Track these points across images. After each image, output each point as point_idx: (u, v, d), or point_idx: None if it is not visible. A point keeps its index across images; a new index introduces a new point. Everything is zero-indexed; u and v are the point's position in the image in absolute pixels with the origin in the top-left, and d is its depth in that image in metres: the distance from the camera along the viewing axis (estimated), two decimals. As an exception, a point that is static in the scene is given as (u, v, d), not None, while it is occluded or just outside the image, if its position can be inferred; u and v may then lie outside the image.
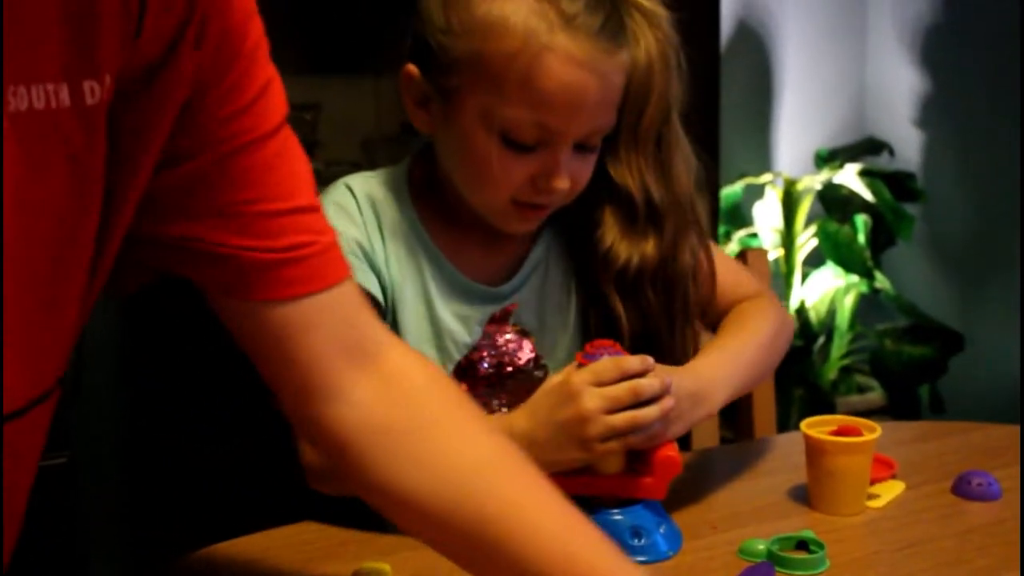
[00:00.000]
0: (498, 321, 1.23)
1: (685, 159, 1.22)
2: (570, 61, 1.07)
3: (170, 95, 0.72)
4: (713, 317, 1.30)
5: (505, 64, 1.07)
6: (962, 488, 1.19)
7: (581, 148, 1.14)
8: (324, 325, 0.80)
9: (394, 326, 1.18)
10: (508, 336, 1.24)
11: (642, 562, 1.02)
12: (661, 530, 1.04)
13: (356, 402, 0.82)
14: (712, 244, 1.30)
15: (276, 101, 0.82)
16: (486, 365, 1.22)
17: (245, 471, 2.06)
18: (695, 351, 1.24)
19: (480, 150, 1.12)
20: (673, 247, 1.21)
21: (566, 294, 1.26)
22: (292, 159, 0.81)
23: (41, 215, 0.65)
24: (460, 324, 1.21)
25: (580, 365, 1.05)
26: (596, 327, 1.22)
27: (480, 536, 0.79)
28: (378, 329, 0.86)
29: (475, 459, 0.83)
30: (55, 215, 0.66)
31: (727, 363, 1.18)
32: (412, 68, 1.16)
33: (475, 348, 1.22)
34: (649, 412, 1.03)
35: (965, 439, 1.36)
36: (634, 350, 1.11)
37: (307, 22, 2.28)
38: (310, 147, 2.40)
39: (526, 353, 1.24)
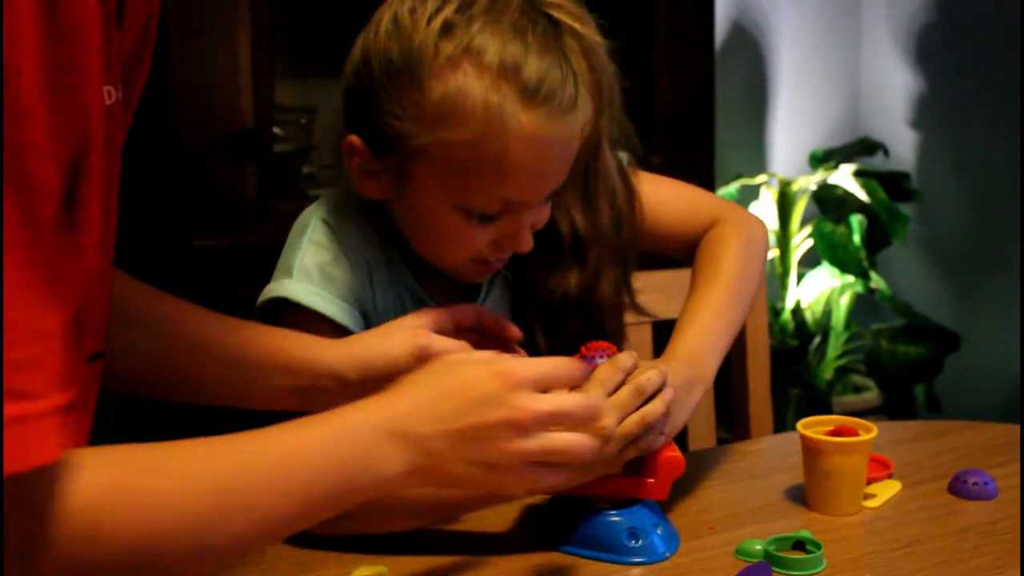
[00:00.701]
0: None
1: (610, 191, 1.20)
2: (536, 141, 1.02)
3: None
4: (680, 252, 1.31)
5: (468, 151, 1.02)
6: (958, 487, 1.19)
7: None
8: None
9: None
10: None
11: (639, 563, 1.02)
12: (658, 531, 1.04)
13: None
14: (657, 177, 1.30)
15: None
16: None
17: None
18: None
19: (441, 223, 1.08)
20: (594, 278, 1.19)
21: (511, 318, 1.22)
22: None
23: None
24: None
25: None
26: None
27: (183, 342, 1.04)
28: None
29: (160, 310, 1.06)
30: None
31: (708, 332, 1.17)
32: (356, 140, 1.10)
33: None
34: (655, 408, 1.01)
35: (961, 438, 1.36)
36: None
37: (301, 26, 2.28)
38: (306, 151, 2.40)
39: None
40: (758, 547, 1.04)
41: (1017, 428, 1.36)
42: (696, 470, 1.24)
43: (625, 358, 1.04)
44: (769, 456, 1.35)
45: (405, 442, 0.82)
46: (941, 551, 1.06)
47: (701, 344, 1.16)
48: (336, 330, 1.13)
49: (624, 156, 1.26)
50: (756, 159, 3.18)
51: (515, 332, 1.14)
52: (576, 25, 1.09)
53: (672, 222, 1.31)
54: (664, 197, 1.30)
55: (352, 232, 1.16)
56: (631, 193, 1.24)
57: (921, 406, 2.92)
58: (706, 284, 1.24)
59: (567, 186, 1.14)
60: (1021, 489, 1.18)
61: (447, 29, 1.02)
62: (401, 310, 1.17)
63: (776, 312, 2.93)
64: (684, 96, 2.43)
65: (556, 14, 1.07)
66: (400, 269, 1.19)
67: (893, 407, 2.93)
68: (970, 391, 2.98)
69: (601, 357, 1.03)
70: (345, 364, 1.04)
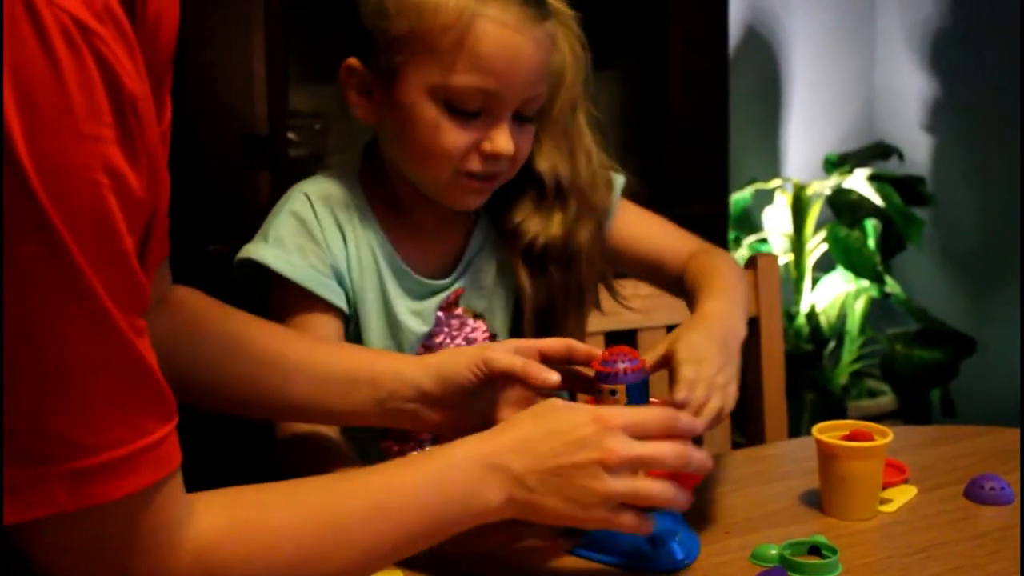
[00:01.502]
0: (449, 307, 1.30)
1: (586, 149, 1.29)
2: (503, 25, 1.13)
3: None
4: (670, 276, 1.38)
5: (442, 34, 1.13)
6: (974, 492, 1.19)
7: (519, 119, 1.20)
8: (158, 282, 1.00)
9: (357, 326, 1.25)
10: (460, 318, 1.31)
11: (658, 570, 1.02)
12: (677, 538, 1.03)
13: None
14: (643, 210, 1.40)
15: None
16: (449, 343, 1.29)
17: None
18: (583, 326, 1.34)
19: (425, 122, 1.16)
20: (574, 225, 1.28)
21: (500, 278, 1.33)
22: None
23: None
24: (414, 318, 1.27)
25: (598, 373, 1.03)
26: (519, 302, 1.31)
27: (256, 364, 1.08)
28: (168, 280, 1.11)
29: (239, 322, 1.10)
30: None
31: (728, 304, 1.23)
32: (353, 60, 1.21)
33: (432, 334, 1.29)
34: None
35: (977, 443, 1.36)
36: (536, 323, 1.28)
37: (315, 32, 2.29)
38: (320, 157, 2.41)
39: (480, 333, 1.32)
40: (774, 552, 1.03)
41: (1033, 433, 1.36)
42: (711, 475, 1.24)
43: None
44: (784, 461, 1.34)
45: (503, 476, 0.89)
46: (957, 556, 1.05)
47: (726, 322, 1.19)
48: (306, 297, 1.21)
49: (619, 178, 1.37)
50: (770, 163, 3.18)
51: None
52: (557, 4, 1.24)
53: (662, 244, 1.39)
54: (652, 223, 1.41)
55: (334, 200, 1.26)
56: (605, 164, 1.33)
57: (936, 411, 2.92)
58: (711, 278, 1.29)
59: (549, 136, 1.26)
60: (1037, 494, 1.18)
61: None
62: (373, 266, 1.25)
63: (791, 316, 2.93)
64: (698, 100, 2.43)
65: None
66: (376, 230, 1.26)
67: (908, 412, 2.92)
68: (985, 395, 2.97)
69: (623, 362, 1.03)
70: (423, 375, 1.08)
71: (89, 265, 0.64)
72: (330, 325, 1.23)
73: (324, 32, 2.29)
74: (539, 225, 1.28)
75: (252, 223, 1.67)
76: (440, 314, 1.29)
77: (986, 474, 1.20)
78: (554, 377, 1.03)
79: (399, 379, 1.08)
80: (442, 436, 1.14)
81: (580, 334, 1.32)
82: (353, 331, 1.26)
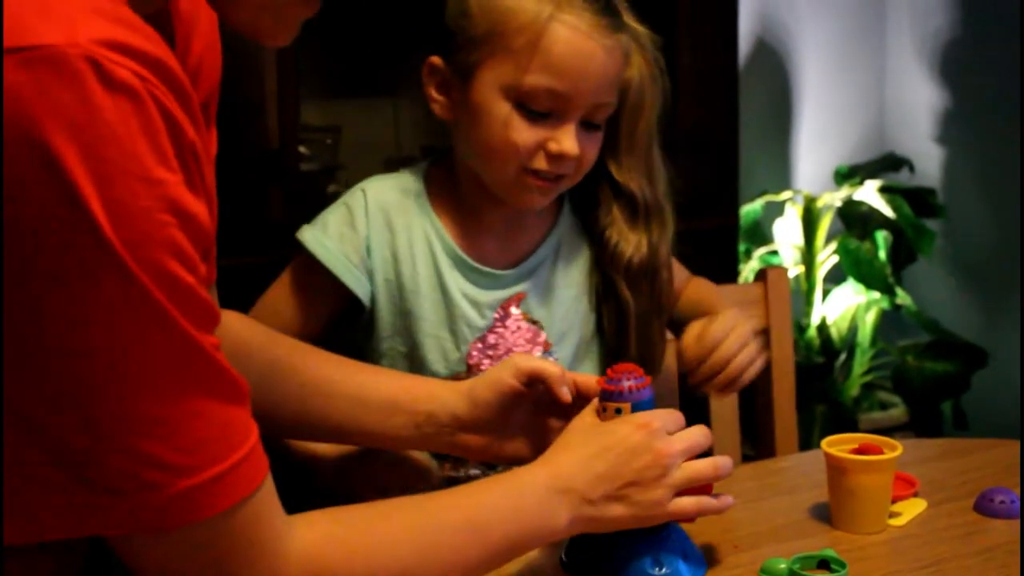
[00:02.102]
0: (507, 308, 1.35)
1: (662, 169, 1.37)
2: (576, 30, 1.20)
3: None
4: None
5: (518, 35, 1.20)
6: (984, 505, 1.18)
7: (587, 125, 1.26)
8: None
9: (407, 316, 1.32)
10: (518, 322, 1.35)
11: None
12: (684, 557, 1.03)
13: None
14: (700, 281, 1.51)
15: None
16: (502, 345, 1.34)
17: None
18: (664, 336, 1.41)
19: (497, 118, 1.23)
20: (657, 242, 1.36)
21: (574, 290, 1.39)
22: None
23: None
24: (473, 308, 1.33)
25: (603, 391, 1.03)
26: (607, 317, 1.38)
27: (300, 391, 1.15)
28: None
29: (283, 350, 1.17)
30: None
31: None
32: (435, 58, 1.29)
33: (487, 333, 1.33)
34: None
35: (987, 456, 1.36)
36: (637, 334, 1.36)
37: (326, 46, 2.30)
38: (332, 170, 2.42)
39: (535, 340, 1.35)
40: (783, 566, 1.03)
41: (1044, 446, 1.36)
42: (720, 488, 1.24)
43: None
44: (794, 474, 1.34)
45: (569, 498, 0.96)
46: (967, 570, 1.05)
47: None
48: (331, 281, 1.30)
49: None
50: (781, 175, 3.18)
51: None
52: (632, 23, 1.31)
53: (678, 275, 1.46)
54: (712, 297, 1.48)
55: (390, 195, 1.34)
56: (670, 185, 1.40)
57: (948, 423, 2.91)
58: (717, 299, 1.45)
59: (633, 156, 1.33)
60: (1048, 507, 1.17)
61: None
62: (429, 256, 1.32)
63: (801, 329, 2.92)
64: (708, 113, 2.43)
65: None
66: (431, 218, 1.33)
67: (920, 424, 2.91)
68: (998, 408, 2.95)
69: (628, 380, 1.03)
70: (457, 399, 1.15)
71: (166, 298, 0.67)
72: (333, 306, 1.32)
73: (335, 46, 2.30)
74: (633, 243, 1.35)
75: (264, 236, 1.68)
76: (498, 313, 1.34)
77: (996, 487, 1.20)
78: (567, 397, 1.10)
79: (435, 404, 1.15)
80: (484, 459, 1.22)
81: (663, 343, 1.40)
82: (367, 321, 1.33)
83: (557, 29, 1.20)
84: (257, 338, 1.18)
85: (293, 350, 1.19)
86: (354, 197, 1.34)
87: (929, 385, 2.84)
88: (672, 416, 1.03)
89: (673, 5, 2.46)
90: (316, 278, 1.31)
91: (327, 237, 1.31)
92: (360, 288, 1.31)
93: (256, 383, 1.12)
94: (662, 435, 1.00)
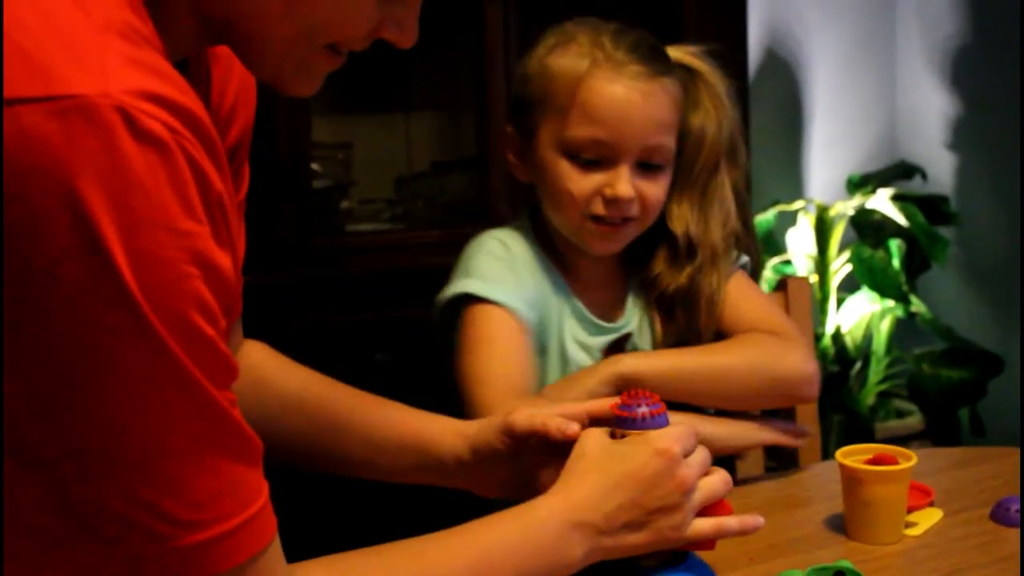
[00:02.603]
0: (615, 349, 1.41)
1: (724, 213, 1.40)
2: (611, 80, 1.29)
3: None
4: None
5: (562, 92, 1.31)
6: (1000, 514, 1.18)
7: (645, 167, 1.32)
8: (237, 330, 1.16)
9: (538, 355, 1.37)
10: None
11: None
12: None
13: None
14: (750, 282, 1.45)
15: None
16: None
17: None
18: None
19: (555, 172, 1.32)
20: (699, 276, 1.39)
21: (645, 322, 1.44)
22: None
23: None
24: (582, 352, 1.39)
25: (617, 418, 1.00)
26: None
27: (315, 425, 1.17)
28: (239, 338, 1.20)
29: (297, 384, 1.19)
30: None
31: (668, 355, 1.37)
32: (508, 127, 1.41)
33: None
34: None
35: (1003, 465, 1.35)
36: None
37: (338, 62, 2.31)
38: (344, 186, 2.42)
39: None
40: (798, 578, 1.03)
41: (1060, 453, 1.35)
42: (735, 500, 1.24)
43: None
44: (809, 485, 1.34)
45: (587, 532, 0.94)
46: (984, 580, 1.05)
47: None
48: (512, 317, 1.33)
49: (744, 258, 1.45)
50: (793, 185, 3.18)
51: None
52: (694, 62, 1.39)
53: (739, 318, 1.41)
54: (750, 300, 1.42)
55: (518, 247, 1.40)
56: (746, 226, 1.45)
57: (965, 430, 2.90)
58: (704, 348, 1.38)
59: (687, 195, 1.38)
60: (1064, 516, 1.17)
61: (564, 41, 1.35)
62: (555, 303, 1.39)
63: (816, 338, 2.92)
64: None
65: (676, 54, 1.38)
66: (554, 273, 1.40)
67: (937, 432, 2.90)
68: (1015, 414, 2.94)
69: (643, 406, 1.01)
70: (461, 445, 1.13)
71: (184, 352, 0.67)
72: (529, 341, 1.34)
73: (346, 62, 2.31)
74: (672, 277, 1.39)
75: (276, 254, 1.69)
76: (604, 352, 1.40)
77: (1012, 496, 1.20)
78: (573, 429, 1.04)
79: (441, 448, 1.14)
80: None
81: None
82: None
83: (594, 81, 1.29)
84: (275, 372, 1.20)
85: (308, 384, 1.20)
86: (492, 246, 1.39)
87: (945, 393, 2.83)
88: (688, 435, 1.00)
89: (681, 16, 2.47)
90: (508, 323, 1.33)
91: (497, 284, 1.34)
92: (533, 322, 1.35)
93: (274, 416, 1.14)
94: (682, 461, 0.97)
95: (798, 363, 1.34)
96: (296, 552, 0.81)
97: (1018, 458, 1.37)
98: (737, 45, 2.55)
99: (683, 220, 1.38)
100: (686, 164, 1.38)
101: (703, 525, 0.99)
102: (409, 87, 2.54)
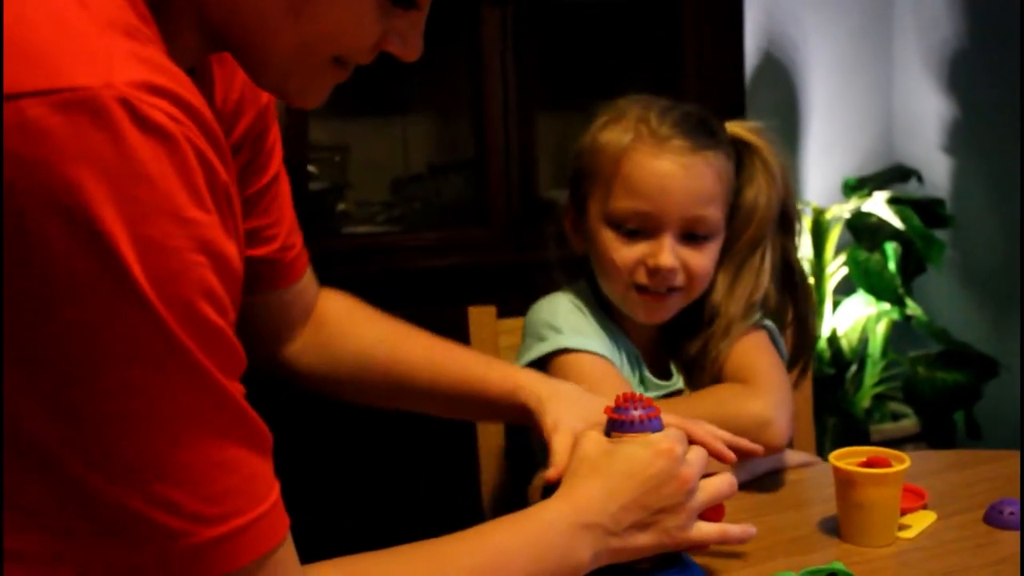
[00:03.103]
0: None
1: (753, 287, 1.42)
2: (654, 155, 1.33)
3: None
4: None
5: (607, 166, 1.36)
6: (994, 517, 1.18)
7: (691, 238, 1.36)
8: (300, 296, 1.22)
9: None
10: None
11: None
12: None
13: (299, 337, 1.25)
14: (760, 343, 1.43)
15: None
16: None
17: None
18: None
19: (602, 243, 1.37)
20: (710, 343, 1.42)
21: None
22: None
23: None
24: None
25: (612, 421, 1.01)
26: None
27: (386, 381, 1.24)
28: (313, 290, 1.26)
29: (372, 339, 1.26)
30: None
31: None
32: (566, 200, 1.46)
33: None
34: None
35: (996, 467, 1.35)
36: None
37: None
38: (340, 188, 2.42)
39: None
40: (791, 580, 1.04)
41: (1053, 456, 1.35)
42: (728, 502, 1.24)
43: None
44: (803, 487, 1.34)
45: (594, 534, 0.95)
46: (976, 582, 1.05)
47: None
48: (610, 364, 1.38)
49: (766, 321, 1.46)
50: (789, 171, 3.18)
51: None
52: (751, 138, 1.42)
53: (730, 368, 1.42)
54: (756, 358, 1.42)
55: (587, 307, 1.45)
56: (795, 307, 1.47)
57: (961, 433, 2.90)
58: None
59: (724, 269, 1.42)
60: (1057, 518, 1.17)
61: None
62: (621, 359, 1.43)
63: (812, 340, 2.92)
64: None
65: (734, 129, 1.42)
66: (617, 334, 1.44)
67: (932, 434, 2.91)
68: (1010, 417, 2.95)
69: (637, 409, 1.01)
70: (517, 417, 1.18)
71: (193, 341, 0.67)
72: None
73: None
74: (696, 344, 1.43)
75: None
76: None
77: (1005, 499, 1.20)
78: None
79: (498, 413, 1.23)
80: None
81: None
82: None
83: (636, 154, 1.34)
84: (351, 328, 1.26)
85: (383, 339, 1.26)
86: (569, 305, 1.44)
87: (940, 395, 2.84)
88: (683, 437, 1.02)
89: (679, 21, 2.47)
90: (610, 368, 1.38)
91: (590, 338, 1.39)
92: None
93: (351, 373, 1.25)
94: (684, 460, 1.00)
95: (757, 410, 1.31)
96: (301, 556, 0.81)
97: (1012, 462, 1.37)
98: (734, 49, 2.55)
99: (716, 292, 1.42)
100: (731, 237, 1.41)
101: (707, 528, 1.01)
102: (405, 90, 2.54)
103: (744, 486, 1.34)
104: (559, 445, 1.07)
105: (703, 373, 1.42)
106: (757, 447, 1.16)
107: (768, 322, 1.46)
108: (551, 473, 1.04)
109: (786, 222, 1.45)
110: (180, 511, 0.67)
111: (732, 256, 1.42)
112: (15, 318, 0.63)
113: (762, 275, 1.42)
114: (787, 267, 1.45)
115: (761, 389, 1.35)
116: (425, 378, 1.23)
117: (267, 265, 1.14)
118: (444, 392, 1.23)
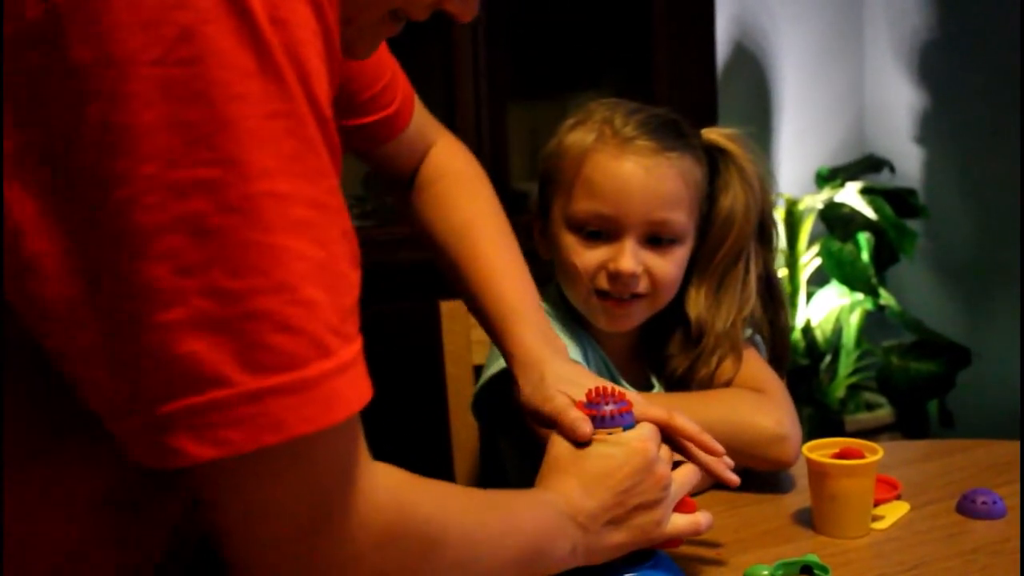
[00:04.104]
0: None
1: (741, 301, 1.37)
2: (615, 156, 1.29)
3: None
4: None
5: (568, 169, 1.32)
6: (966, 507, 1.19)
7: (655, 242, 1.30)
8: (414, 137, 1.24)
9: None
10: None
11: None
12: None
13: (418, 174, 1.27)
14: (750, 354, 1.39)
15: None
16: None
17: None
18: None
19: (564, 247, 1.32)
20: (698, 362, 1.37)
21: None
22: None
23: None
24: None
25: (592, 417, 0.99)
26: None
27: (450, 267, 1.22)
28: (430, 132, 1.28)
29: (468, 216, 1.24)
30: None
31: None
32: (533, 206, 1.41)
33: None
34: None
35: (969, 457, 1.36)
36: None
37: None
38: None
39: None
40: (765, 572, 1.03)
41: (1025, 445, 1.36)
42: (703, 495, 1.24)
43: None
44: (776, 479, 1.34)
45: (573, 525, 0.92)
46: (950, 572, 1.05)
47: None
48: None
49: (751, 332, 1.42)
50: (766, 178, 3.18)
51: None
52: (727, 144, 1.38)
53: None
54: (747, 360, 1.38)
55: (555, 313, 1.38)
56: (771, 318, 1.42)
57: (935, 422, 2.91)
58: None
59: (705, 281, 1.37)
60: (1030, 507, 1.18)
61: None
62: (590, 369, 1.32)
63: (786, 331, 2.93)
64: (687, 117, 2.44)
65: (710, 135, 1.39)
66: (584, 338, 1.39)
67: (906, 424, 2.92)
68: (983, 406, 2.96)
69: (609, 404, 1.00)
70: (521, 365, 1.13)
71: (315, 117, 0.64)
72: None
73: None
74: (681, 361, 1.38)
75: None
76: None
77: (978, 488, 1.20)
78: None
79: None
80: None
81: None
82: None
83: (598, 155, 1.30)
84: (451, 200, 1.25)
85: (469, 225, 1.23)
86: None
87: (914, 385, 2.85)
88: (656, 434, 1.01)
89: (649, 11, 2.47)
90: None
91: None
92: None
93: (444, 244, 1.23)
94: (657, 458, 0.98)
95: (771, 424, 1.28)
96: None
97: (985, 451, 1.38)
98: (706, 38, 2.55)
99: (697, 306, 1.37)
100: (710, 249, 1.36)
101: (681, 523, 1.00)
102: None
103: (715, 479, 1.34)
104: (562, 405, 1.04)
105: (686, 385, 1.38)
106: (732, 475, 1.08)
107: (757, 337, 1.43)
108: (584, 428, 0.99)
109: (764, 232, 1.40)
110: (313, 338, 0.62)
111: (713, 268, 1.37)
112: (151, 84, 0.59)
113: (748, 288, 1.38)
114: (767, 279, 1.41)
115: (774, 401, 1.33)
116: (471, 291, 1.20)
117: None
118: (477, 312, 1.20)
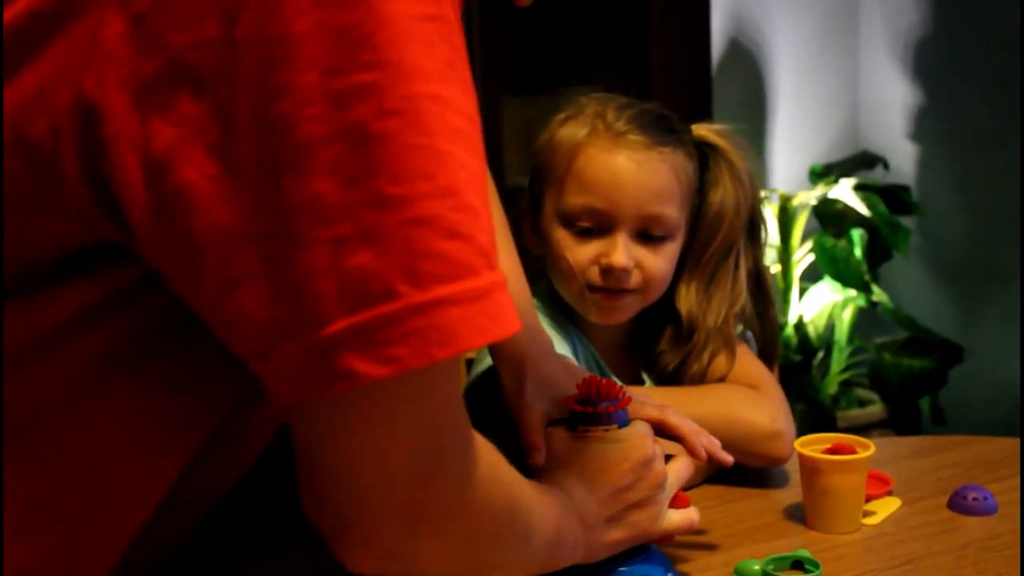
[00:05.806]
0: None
1: (732, 298, 1.36)
2: (608, 150, 1.28)
3: None
4: None
5: (561, 163, 1.31)
6: (958, 503, 1.19)
7: (646, 237, 1.30)
8: None
9: None
10: None
11: None
12: (666, 572, 1.02)
13: None
14: (743, 350, 1.39)
15: None
16: None
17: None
18: None
19: (556, 241, 1.32)
20: (696, 354, 1.35)
21: None
22: None
23: None
24: None
25: (576, 414, 1.00)
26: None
27: None
28: None
29: None
30: None
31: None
32: (524, 203, 1.40)
33: None
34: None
35: (961, 453, 1.36)
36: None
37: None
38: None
39: None
40: (756, 567, 1.03)
41: (1017, 442, 1.36)
42: (694, 489, 1.24)
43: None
44: (768, 474, 1.34)
45: (578, 520, 0.91)
46: (940, 568, 1.05)
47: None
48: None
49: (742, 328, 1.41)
50: (756, 175, 3.18)
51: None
52: (716, 140, 1.38)
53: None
54: (743, 366, 1.37)
55: (544, 308, 1.36)
56: (760, 313, 1.41)
57: (926, 419, 2.92)
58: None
59: (695, 277, 1.36)
60: (1021, 504, 1.18)
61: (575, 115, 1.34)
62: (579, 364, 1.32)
63: (779, 327, 2.93)
64: (681, 113, 2.43)
65: (700, 131, 1.38)
66: (573, 332, 1.37)
67: (898, 421, 2.92)
68: (975, 403, 2.97)
69: (603, 400, 0.99)
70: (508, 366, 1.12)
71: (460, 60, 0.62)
72: None
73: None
74: (672, 357, 1.37)
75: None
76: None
77: (970, 484, 1.20)
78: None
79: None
80: None
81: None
82: None
83: (590, 149, 1.29)
84: None
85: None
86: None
87: (906, 382, 2.85)
88: (650, 429, 1.01)
89: (645, 6, 2.47)
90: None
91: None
92: None
93: None
94: (653, 455, 0.98)
95: (766, 420, 1.29)
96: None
97: (976, 447, 1.38)
98: (701, 34, 2.55)
99: (688, 301, 1.36)
100: (701, 244, 1.35)
101: (676, 519, 1.00)
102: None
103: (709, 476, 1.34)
104: (533, 422, 1.04)
105: (678, 381, 1.36)
106: (725, 455, 1.10)
107: (748, 332, 1.43)
108: (537, 458, 1.00)
109: (753, 229, 1.40)
110: (457, 259, 0.59)
111: (703, 266, 1.36)
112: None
113: (738, 284, 1.37)
114: (757, 275, 1.41)
115: (769, 398, 1.33)
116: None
117: None
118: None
